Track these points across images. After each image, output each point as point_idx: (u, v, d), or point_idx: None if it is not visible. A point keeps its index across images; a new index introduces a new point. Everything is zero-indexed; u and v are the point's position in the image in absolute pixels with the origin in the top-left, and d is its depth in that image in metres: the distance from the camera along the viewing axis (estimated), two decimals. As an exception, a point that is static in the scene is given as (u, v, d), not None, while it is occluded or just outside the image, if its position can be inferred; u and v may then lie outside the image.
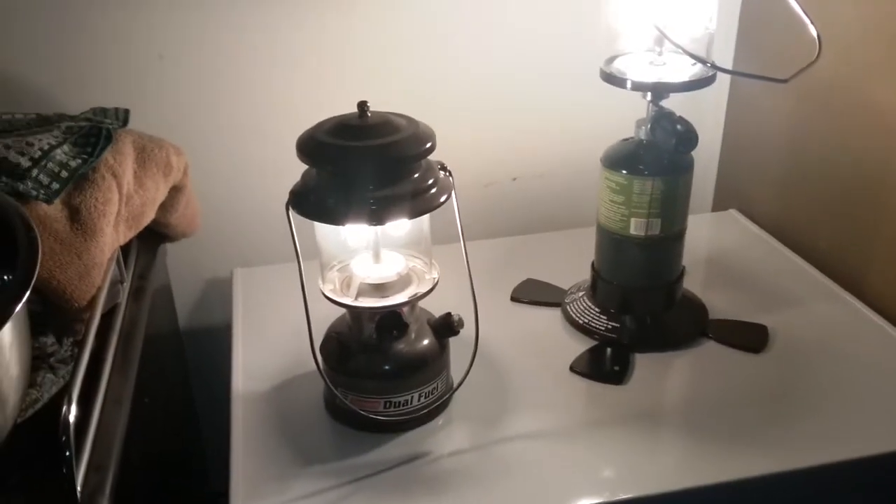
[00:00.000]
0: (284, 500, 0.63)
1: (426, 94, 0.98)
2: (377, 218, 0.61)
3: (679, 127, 0.72)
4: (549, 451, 0.68)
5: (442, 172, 0.66)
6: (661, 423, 0.71)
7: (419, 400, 0.69)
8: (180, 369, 1.00)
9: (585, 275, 0.86)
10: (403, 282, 0.69)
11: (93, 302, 0.64)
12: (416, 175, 0.63)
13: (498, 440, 0.69)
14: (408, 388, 0.69)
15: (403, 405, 0.69)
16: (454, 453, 0.67)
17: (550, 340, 0.82)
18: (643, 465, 0.66)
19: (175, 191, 0.78)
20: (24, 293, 0.47)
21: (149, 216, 0.74)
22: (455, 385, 0.73)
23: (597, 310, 0.83)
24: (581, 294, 0.86)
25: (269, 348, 0.82)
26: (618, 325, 0.81)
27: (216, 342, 1.01)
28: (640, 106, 0.77)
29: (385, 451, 0.68)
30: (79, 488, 0.52)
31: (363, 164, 0.61)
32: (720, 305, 0.86)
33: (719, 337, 0.81)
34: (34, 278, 0.48)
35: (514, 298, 0.90)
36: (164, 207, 0.78)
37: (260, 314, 0.88)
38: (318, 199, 0.63)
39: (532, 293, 0.90)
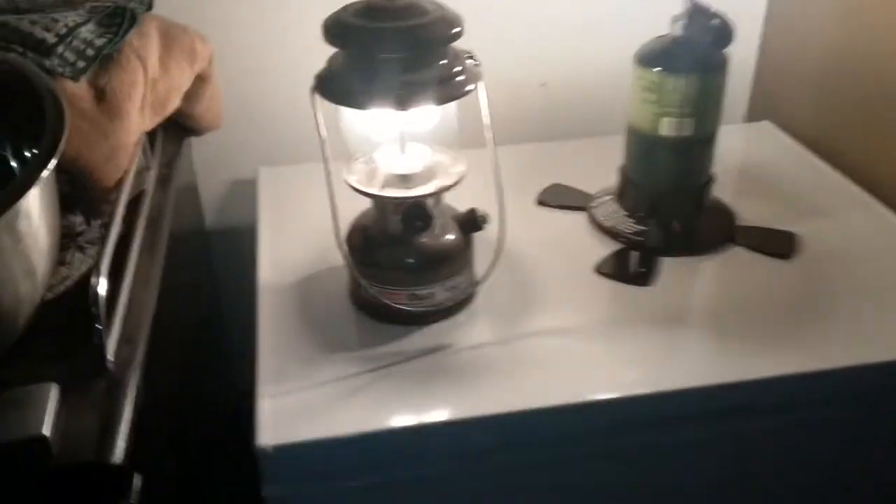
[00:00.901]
0: (309, 385, 0.64)
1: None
2: (403, 102, 0.60)
3: (715, 21, 0.70)
4: (570, 347, 0.68)
5: (470, 61, 0.64)
6: (684, 324, 0.71)
7: (443, 293, 0.70)
8: (206, 264, 1.01)
9: (614, 181, 0.85)
10: (428, 174, 0.68)
11: (119, 184, 0.64)
12: (444, 61, 0.62)
13: (519, 335, 0.69)
14: (432, 281, 0.69)
15: (427, 298, 0.69)
16: (476, 346, 0.68)
17: (576, 243, 0.82)
18: (665, 362, 0.66)
19: (200, 80, 0.78)
20: (52, 159, 0.46)
21: (174, 103, 0.73)
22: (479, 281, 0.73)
23: (624, 213, 0.82)
24: (608, 198, 0.85)
25: (295, 244, 0.82)
26: (644, 228, 0.80)
27: (242, 243, 1.02)
28: (675, 5, 0.74)
29: (408, 342, 0.68)
30: (110, 358, 0.53)
31: (390, 45, 0.60)
32: (749, 214, 0.85)
33: (746, 243, 0.80)
34: (61, 146, 0.48)
35: (540, 202, 0.89)
36: (189, 97, 0.78)
37: (285, 212, 0.88)
38: (343, 84, 0.62)
39: (558, 197, 0.89)
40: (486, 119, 0.66)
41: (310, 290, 0.75)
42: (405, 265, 0.69)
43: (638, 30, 0.79)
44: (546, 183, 0.92)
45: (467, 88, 0.62)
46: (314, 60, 0.63)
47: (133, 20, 0.67)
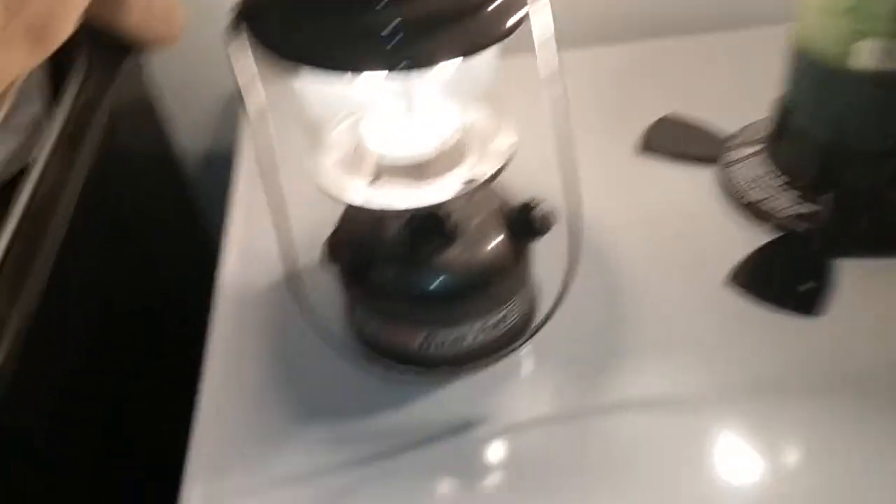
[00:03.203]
0: (259, 482, 0.41)
1: None
2: (399, 56, 0.32)
3: None
4: (684, 428, 0.42)
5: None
6: (878, 392, 0.43)
7: (475, 337, 0.44)
8: (183, 204, 0.75)
9: (750, 112, 0.57)
10: (454, 154, 0.40)
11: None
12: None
13: (596, 406, 0.43)
14: (461, 320, 0.43)
15: (453, 344, 0.44)
16: (527, 424, 0.43)
17: (698, 227, 0.53)
18: (842, 460, 0.40)
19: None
20: None
21: (65, 23, 0.47)
22: (542, 314, 0.46)
23: (781, 179, 0.52)
24: (752, 150, 0.55)
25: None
26: (815, 207, 0.51)
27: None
28: None
29: (421, 409, 0.44)
30: None
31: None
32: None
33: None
34: None
35: (646, 147, 0.59)
36: (110, 5, 0.51)
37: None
38: (293, 24, 0.34)
39: (672, 141, 0.59)
40: (551, 55, 0.37)
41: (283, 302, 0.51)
42: (415, 295, 0.43)
43: None
44: (648, 113, 0.62)
45: (520, 11, 0.33)
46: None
47: None
